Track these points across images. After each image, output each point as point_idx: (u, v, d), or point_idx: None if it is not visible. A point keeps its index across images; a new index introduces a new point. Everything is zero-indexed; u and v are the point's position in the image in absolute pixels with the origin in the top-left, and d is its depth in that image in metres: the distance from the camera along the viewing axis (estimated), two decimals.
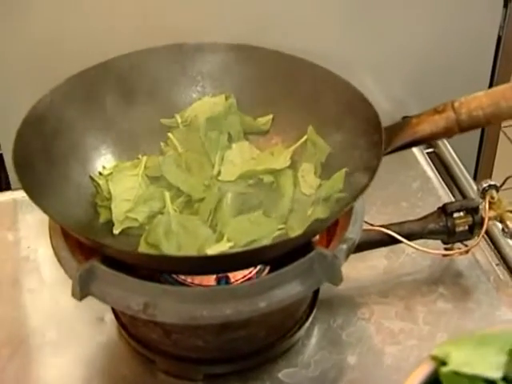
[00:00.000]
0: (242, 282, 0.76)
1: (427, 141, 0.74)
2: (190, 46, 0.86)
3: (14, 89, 0.93)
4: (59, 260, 0.72)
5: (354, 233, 0.73)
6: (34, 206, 0.98)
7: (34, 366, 0.81)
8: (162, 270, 0.71)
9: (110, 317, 0.84)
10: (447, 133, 0.72)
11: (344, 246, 0.72)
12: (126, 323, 0.80)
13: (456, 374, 0.52)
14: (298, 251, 0.70)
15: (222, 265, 0.69)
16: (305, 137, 0.82)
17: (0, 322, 0.85)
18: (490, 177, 1.11)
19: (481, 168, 1.19)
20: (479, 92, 0.72)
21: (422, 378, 0.53)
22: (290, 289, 0.68)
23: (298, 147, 0.82)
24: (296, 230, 0.75)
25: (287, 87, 0.84)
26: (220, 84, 0.86)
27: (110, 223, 0.78)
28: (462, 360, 0.53)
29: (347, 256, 0.72)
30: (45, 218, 0.94)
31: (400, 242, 0.84)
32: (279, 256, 0.70)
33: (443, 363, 0.53)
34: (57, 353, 0.82)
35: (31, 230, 0.97)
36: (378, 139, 0.72)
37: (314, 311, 0.83)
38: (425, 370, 0.53)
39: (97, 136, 0.82)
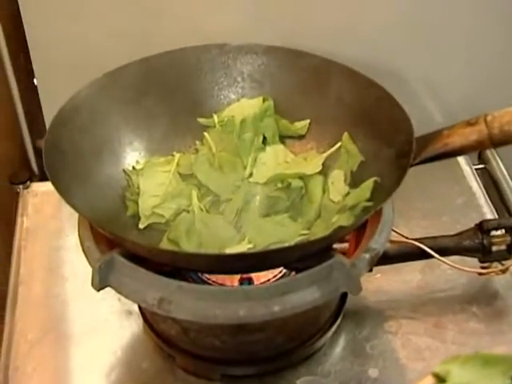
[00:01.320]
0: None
1: (458, 154, 0.71)
2: (232, 46, 0.86)
3: (64, 84, 0.94)
4: (83, 250, 0.73)
5: (378, 243, 0.72)
6: None
7: (57, 353, 0.82)
8: (175, 266, 0.71)
9: (137, 311, 0.85)
10: (478, 146, 0.70)
11: (366, 256, 0.70)
12: (149, 319, 0.81)
13: None
14: (320, 258, 0.69)
15: (236, 265, 0.68)
16: (339, 143, 0.81)
17: (31, 308, 0.87)
18: None
19: None
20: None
21: None
22: (305, 295, 0.67)
23: (332, 153, 0.81)
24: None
25: (327, 93, 0.83)
26: (259, 86, 0.86)
27: (136, 217, 0.79)
28: (462, 379, 0.51)
29: (370, 266, 0.71)
30: None
31: (433, 256, 0.82)
32: (302, 262, 0.70)
33: (443, 380, 0.51)
34: (81, 342, 0.83)
35: (72, 219, 0.98)
36: (408, 150, 0.71)
37: (339, 321, 0.81)
38: None
39: (132, 131, 0.82)
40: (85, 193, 0.74)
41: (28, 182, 1.03)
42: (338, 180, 0.78)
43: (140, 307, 0.83)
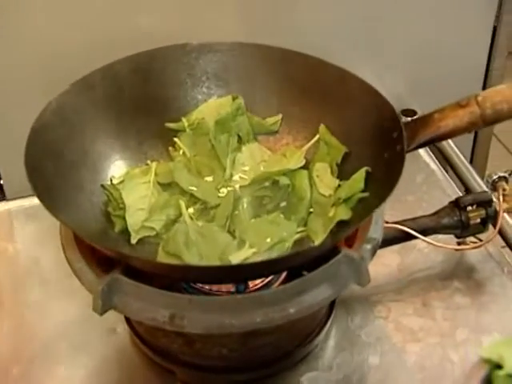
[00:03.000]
0: (260, 288, 0.74)
1: (451, 136, 0.72)
2: (194, 45, 0.84)
3: (12, 97, 0.89)
4: (75, 272, 0.70)
5: (376, 232, 0.72)
6: (30, 216, 0.96)
7: (46, 382, 0.78)
8: (187, 279, 0.69)
9: (122, 327, 0.82)
10: (471, 127, 0.71)
11: (368, 246, 0.70)
12: (143, 334, 0.78)
13: (509, 376, 0.51)
14: (326, 254, 0.68)
15: (251, 272, 0.67)
16: (317, 136, 0.80)
17: (7, 338, 0.82)
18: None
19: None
20: (500, 85, 0.71)
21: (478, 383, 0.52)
22: (318, 293, 0.67)
23: (310, 147, 0.81)
24: (318, 233, 0.73)
25: (296, 85, 0.82)
26: (225, 84, 0.84)
27: (124, 232, 0.76)
28: None
29: (372, 256, 0.71)
30: (43, 227, 0.93)
31: (415, 238, 0.83)
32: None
33: (497, 366, 0.52)
34: (69, 367, 0.79)
35: (30, 240, 0.94)
36: (398, 136, 0.71)
37: (333, 313, 0.81)
38: (479, 374, 0.52)
39: (105, 142, 0.79)
40: (70, 213, 0.71)
41: None
42: (323, 173, 0.77)
43: (130, 324, 0.80)
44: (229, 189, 0.78)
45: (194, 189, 0.77)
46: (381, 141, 0.73)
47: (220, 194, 0.78)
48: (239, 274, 0.67)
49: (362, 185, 0.73)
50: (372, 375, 0.78)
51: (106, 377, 0.79)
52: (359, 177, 0.73)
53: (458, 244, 0.88)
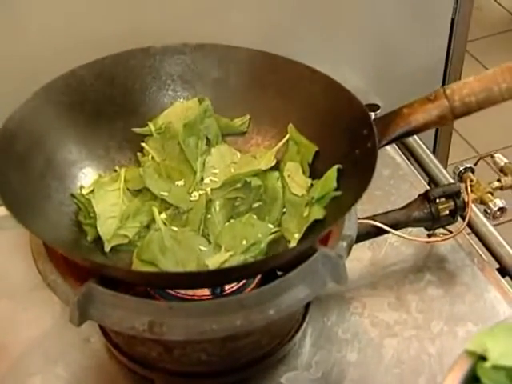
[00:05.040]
0: (235, 291, 0.74)
1: (421, 130, 0.72)
2: (157, 48, 0.83)
3: None
4: (49, 285, 0.69)
5: (351, 229, 0.72)
6: None
7: None
8: (166, 286, 0.68)
9: (97, 337, 0.81)
10: (441, 121, 0.71)
11: (344, 244, 0.71)
12: (119, 343, 0.77)
13: (493, 367, 0.51)
14: (303, 254, 0.68)
15: (234, 276, 0.67)
16: (287, 136, 0.79)
17: None
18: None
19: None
20: (469, 78, 0.71)
21: (462, 376, 0.52)
22: (297, 293, 0.67)
23: (280, 147, 0.80)
24: (293, 233, 0.73)
25: (263, 84, 0.82)
26: (191, 86, 0.83)
27: (97, 241, 0.74)
28: (499, 352, 0.52)
29: (348, 254, 0.71)
30: (7, 239, 0.91)
31: (387, 232, 0.84)
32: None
33: (481, 358, 0.52)
34: (45, 379, 0.78)
35: None
36: (368, 132, 0.71)
37: (309, 311, 0.81)
38: (463, 367, 0.52)
39: (70, 150, 0.78)
40: (41, 224, 0.69)
41: None
42: (294, 173, 0.77)
43: (105, 333, 0.79)
44: (200, 192, 0.77)
45: (166, 194, 0.76)
46: (352, 138, 0.73)
47: (192, 198, 0.77)
48: (222, 278, 0.66)
49: (334, 183, 0.73)
50: (351, 371, 0.79)
51: None
52: (331, 175, 0.73)
53: (429, 236, 0.89)
